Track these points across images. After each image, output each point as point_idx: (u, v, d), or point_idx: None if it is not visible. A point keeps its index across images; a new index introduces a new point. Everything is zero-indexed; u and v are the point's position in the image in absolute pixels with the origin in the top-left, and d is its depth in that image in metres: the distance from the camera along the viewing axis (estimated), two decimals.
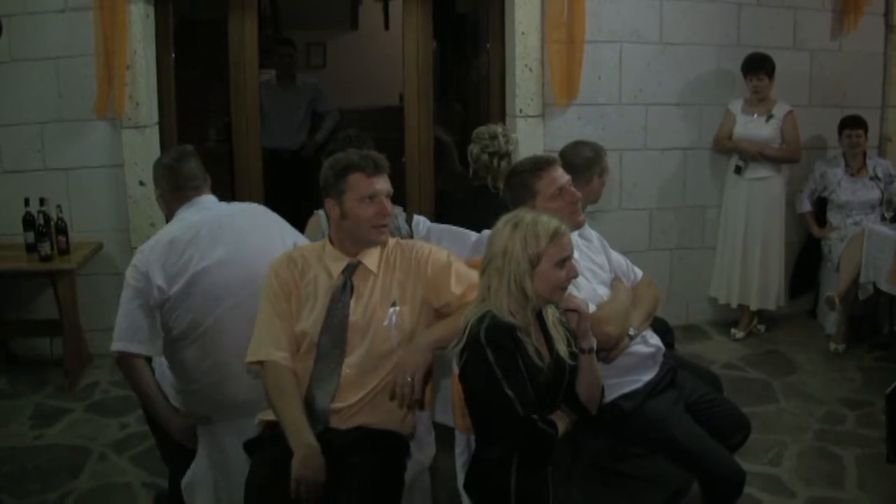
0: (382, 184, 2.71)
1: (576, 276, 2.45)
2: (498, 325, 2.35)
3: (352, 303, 2.69)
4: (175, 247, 2.95)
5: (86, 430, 4.21)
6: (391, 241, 2.81)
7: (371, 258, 2.74)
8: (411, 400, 2.57)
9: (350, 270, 2.72)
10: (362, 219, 2.68)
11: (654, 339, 3.05)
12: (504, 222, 2.45)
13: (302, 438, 2.48)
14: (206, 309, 2.93)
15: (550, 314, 2.51)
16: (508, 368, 2.32)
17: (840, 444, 4.00)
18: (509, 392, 2.30)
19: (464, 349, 2.39)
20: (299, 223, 3.98)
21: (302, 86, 6.52)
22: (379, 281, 2.72)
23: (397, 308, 2.70)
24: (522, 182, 2.95)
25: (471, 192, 4.13)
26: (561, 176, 2.95)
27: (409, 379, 2.56)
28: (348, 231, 2.72)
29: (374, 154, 2.76)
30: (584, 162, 3.26)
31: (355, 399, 2.64)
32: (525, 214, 2.45)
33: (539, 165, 2.97)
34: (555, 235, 2.39)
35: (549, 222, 2.41)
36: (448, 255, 2.81)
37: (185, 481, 3.12)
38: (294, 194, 6.03)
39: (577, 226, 2.97)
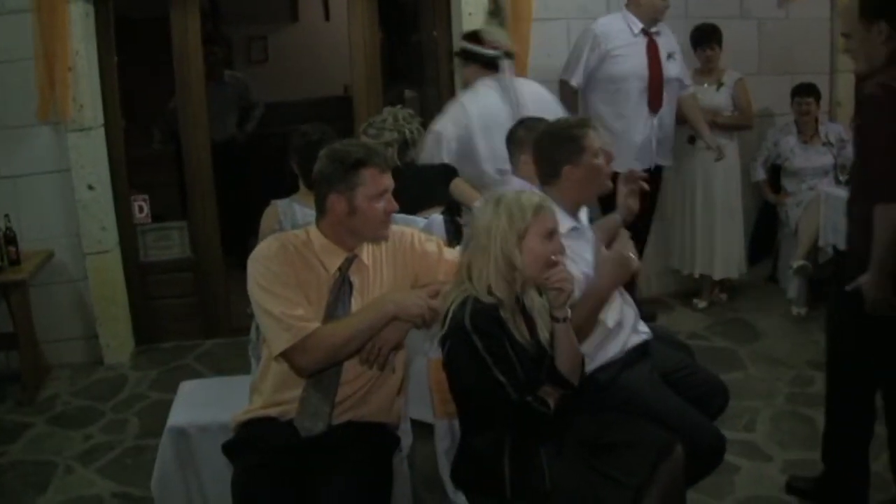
0: (390, 180, 2.62)
1: (562, 252, 2.42)
2: (482, 310, 2.32)
3: (352, 300, 2.61)
4: None
5: (49, 444, 4.09)
6: None
7: (365, 251, 2.66)
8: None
9: (347, 265, 2.62)
10: (374, 216, 2.57)
11: (643, 327, 3.03)
12: (486, 202, 2.44)
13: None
14: None
15: (536, 300, 2.48)
16: (497, 354, 2.29)
17: (811, 405, 4.04)
18: (501, 378, 2.28)
19: (446, 336, 2.35)
20: (246, 212, 3.91)
21: (230, 80, 6.79)
22: (371, 273, 2.65)
23: None
24: (570, 136, 2.85)
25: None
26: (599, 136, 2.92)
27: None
28: (353, 227, 2.59)
29: (379, 148, 2.72)
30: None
31: (350, 393, 2.58)
32: (506, 192, 2.45)
33: (585, 123, 2.94)
34: (539, 209, 2.38)
35: (531, 196, 2.42)
36: (438, 244, 2.77)
37: (153, 481, 3.11)
38: (234, 185, 6.37)
39: (606, 190, 2.98)
